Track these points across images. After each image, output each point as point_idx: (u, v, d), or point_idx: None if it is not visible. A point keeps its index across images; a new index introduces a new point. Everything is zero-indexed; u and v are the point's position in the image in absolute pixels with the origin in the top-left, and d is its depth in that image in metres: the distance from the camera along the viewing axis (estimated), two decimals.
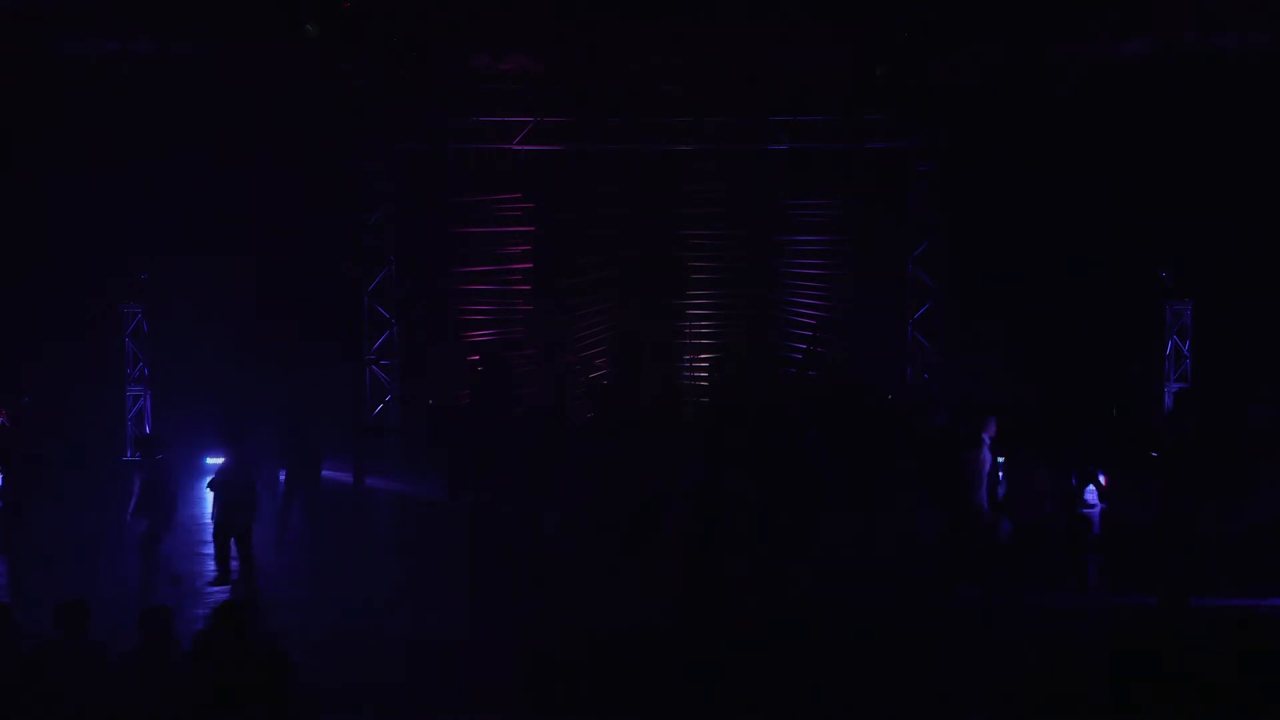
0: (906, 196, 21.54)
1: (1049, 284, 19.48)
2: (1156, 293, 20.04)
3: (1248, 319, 18.91)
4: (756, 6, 18.27)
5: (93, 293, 19.18)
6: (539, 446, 16.59)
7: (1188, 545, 13.65)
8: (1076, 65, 19.05)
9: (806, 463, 15.53)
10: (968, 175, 20.47)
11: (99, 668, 7.74)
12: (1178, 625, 7.70)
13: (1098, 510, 16.21)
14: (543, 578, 13.38)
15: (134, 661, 7.75)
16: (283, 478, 16.59)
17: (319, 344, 19.88)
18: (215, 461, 19.27)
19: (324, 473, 16.81)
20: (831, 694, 9.89)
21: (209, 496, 13.83)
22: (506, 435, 17.29)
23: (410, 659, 10.73)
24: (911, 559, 13.89)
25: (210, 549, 14.66)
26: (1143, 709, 7.30)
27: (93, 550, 14.32)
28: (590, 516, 15.52)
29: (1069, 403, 17.35)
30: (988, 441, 13.05)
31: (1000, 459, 13.65)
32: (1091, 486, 16.26)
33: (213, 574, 13.59)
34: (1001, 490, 13.38)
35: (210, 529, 13.88)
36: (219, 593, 12.88)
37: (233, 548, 13.31)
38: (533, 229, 21.85)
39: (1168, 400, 19.90)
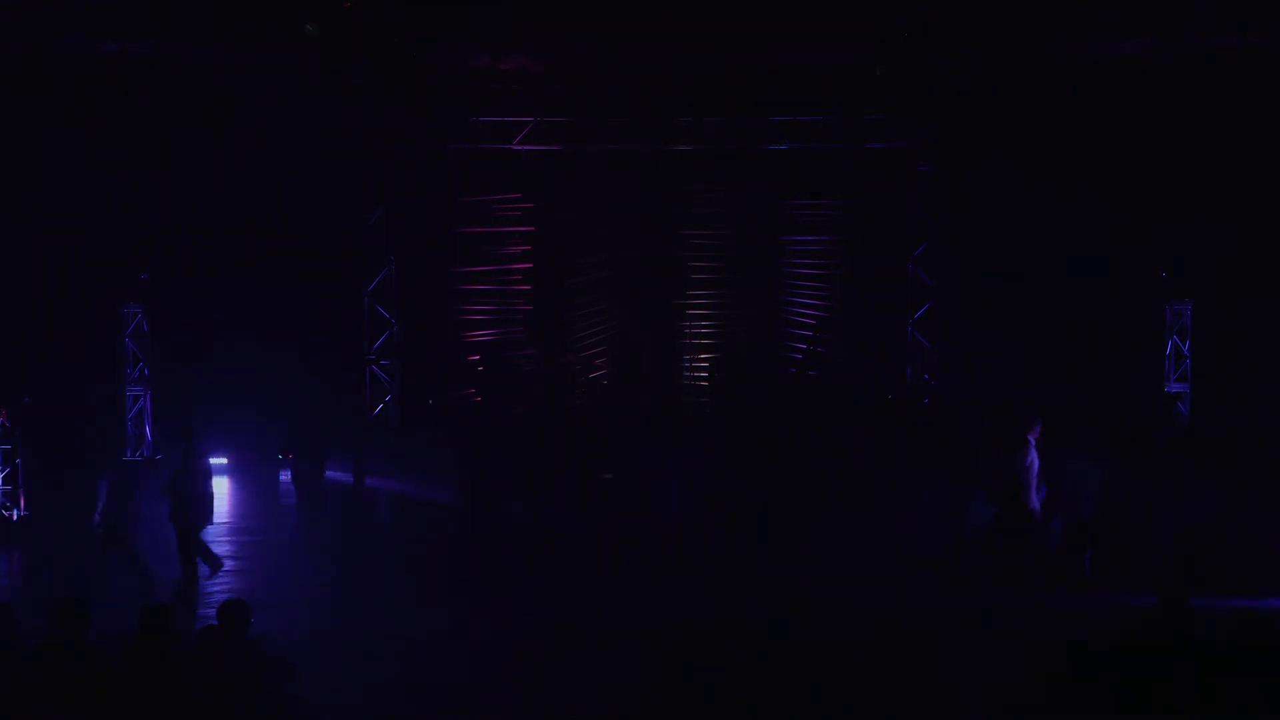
0: (906, 196, 21.53)
1: (1049, 284, 19.47)
2: (1156, 293, 20.04)
3: (1248, 319, 18.90)
4: (757, 6, 18.26)
5: (93, 293, 19.17)
6: (541, 446, 16.61)
7: (1184, 542, 13.68)
8: (1076, 65, 19.04)
9: (805, 463, 15.55)
10: (968, 175, 20.47)
11: (99, 667, 7.74)
12: (1178, 625, 7.69)
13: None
14: (545, 577, 13.38)
15: (133, 661, 7.75)
16: (285, 478, 16.61)
17: (319, 344, 19.89)
18: (215, 461, 19.38)
19: (326, 473, 16.82)
20: (831, 694, 9.89)
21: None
22: (510, 435, 17.29)
23: (411, 659, 10.73)
24: (914, 560, 13.89)
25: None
26: (1143, 709, 7.30)
27: (93, 550, 14.31)
28: (593, 516, 15.55)
29: (1069, 402, 17.34)
30: (1033, 441, 13.11)
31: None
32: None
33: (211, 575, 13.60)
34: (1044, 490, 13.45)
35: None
36: (218, 592, 12.88)
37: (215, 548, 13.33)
38: (533, 229, 21.85)
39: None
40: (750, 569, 13.51)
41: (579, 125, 20.95)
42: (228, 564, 14.15)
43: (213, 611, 8.77)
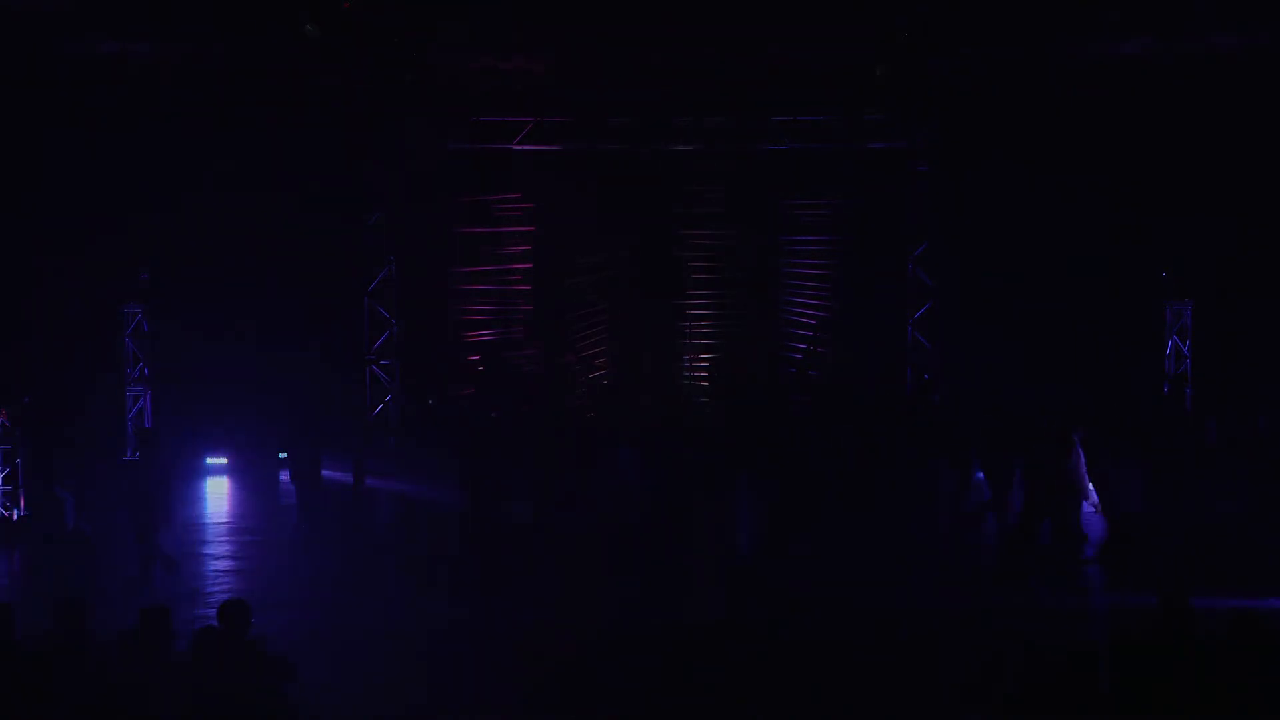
0: (906, 196, 21.52)
1: (1049, 284, 19.47)
2: (1156, 293, 20.04)
3: (1248, 319, 18.90)
4: (757, 6, 18.27)
5: (93, 293, 19.17)
6: (543, 446, 16.63)
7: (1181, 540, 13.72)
8: (1076, 65, 19.04)
9: (806, 463, 15.56)
10: (968, 175, 20.46)
11: (98, 667, 7.74)
12: (1178, 625, 7.69)
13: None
14: (545, 577, 13.38)
15: (131, 660, 7.75)
16: (285, 477, 16.63)
17: (319, 344, 19.90)
18: (215, 461, 19.43)
19: (326, 473, 16.82)
20: (832, 694, 9.89)
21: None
22: (512, 436, 17.31)
23: (412, 660, 10.73)
24: (916, 560, 13.89)
25: (209, 549, 14.74)
26: (1143, 709, 7.30)
27: (93, 550, 14.34)
28: (598, 516, 15.57)
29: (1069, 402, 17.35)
30: (1079, 441, 13.15)
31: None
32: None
33: (211, 575, 13.62)
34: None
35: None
36: (219, 593, 12.89)
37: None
38: (533, 229, 21.85)
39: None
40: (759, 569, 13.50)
41: (579, 125, 20.95)
42: (228, 564, 14.18)
43: (213, 611, 8.77)
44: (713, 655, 10.74)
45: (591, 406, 20.74)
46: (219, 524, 16.61)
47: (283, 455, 19.69)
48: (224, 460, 19.44)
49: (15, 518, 15.72)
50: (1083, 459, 13.20)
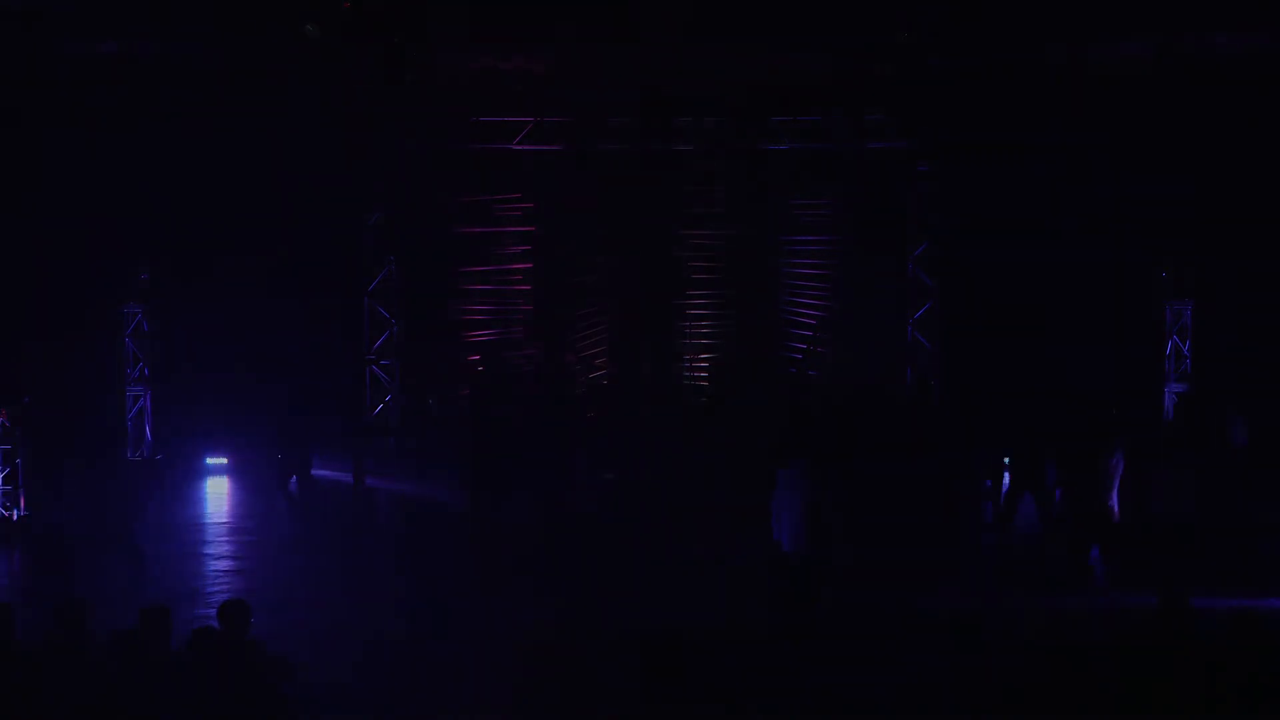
0: (906, 196, 21.51)
1: (1048, 284, 19.45)
2: (1156, 293, 20.03)
3: (1248, 319, 18.88)
4: (757, 6, 18.27)
5: (93, 293, 19.17)
6: (545, 446, 16.66)
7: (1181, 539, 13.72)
8: (1076, 65, 19.04)
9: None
10: (968, 175, 20.45)
11: (97, 667, 7.74)
12: (1178, 625, 7.70)
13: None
14: (547, 576, 13.38)
15: (131, 660, 7.75)
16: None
17: (319, 344, 19.89)
18: (215, 461, 19.42)
19: (326, 473, 16.85)
20: (832, 695, 9.89)
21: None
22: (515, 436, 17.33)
23: (412, 660, 10.73)
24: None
25: (209, 550, 14.75)
26: (1143, 709, 7.30)
27: (93, 550, 14.34)
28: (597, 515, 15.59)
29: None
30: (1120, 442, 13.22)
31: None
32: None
33: (211, 575, 13.63)
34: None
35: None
36: (219, 593, 12.89)
37: None
38: (533, 229, 21.84)
39: (1168, 400, 19.91)
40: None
41: (579, 125, 20.94)
42: (228, 564, 14.19)
43: (213, 611, 8.77)
44: (714, 656, 10.73)
45: (591, 406, 20.73)
46: (219, 524, 16.61)
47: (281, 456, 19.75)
48: (224, 460, 19.43)
49: (15, 517, 15.71)
50: (1121, 461, 13.28)
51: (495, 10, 18.16)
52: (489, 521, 15.85)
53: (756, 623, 11.67)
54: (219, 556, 14.81)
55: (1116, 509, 13.35)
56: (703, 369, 22.25)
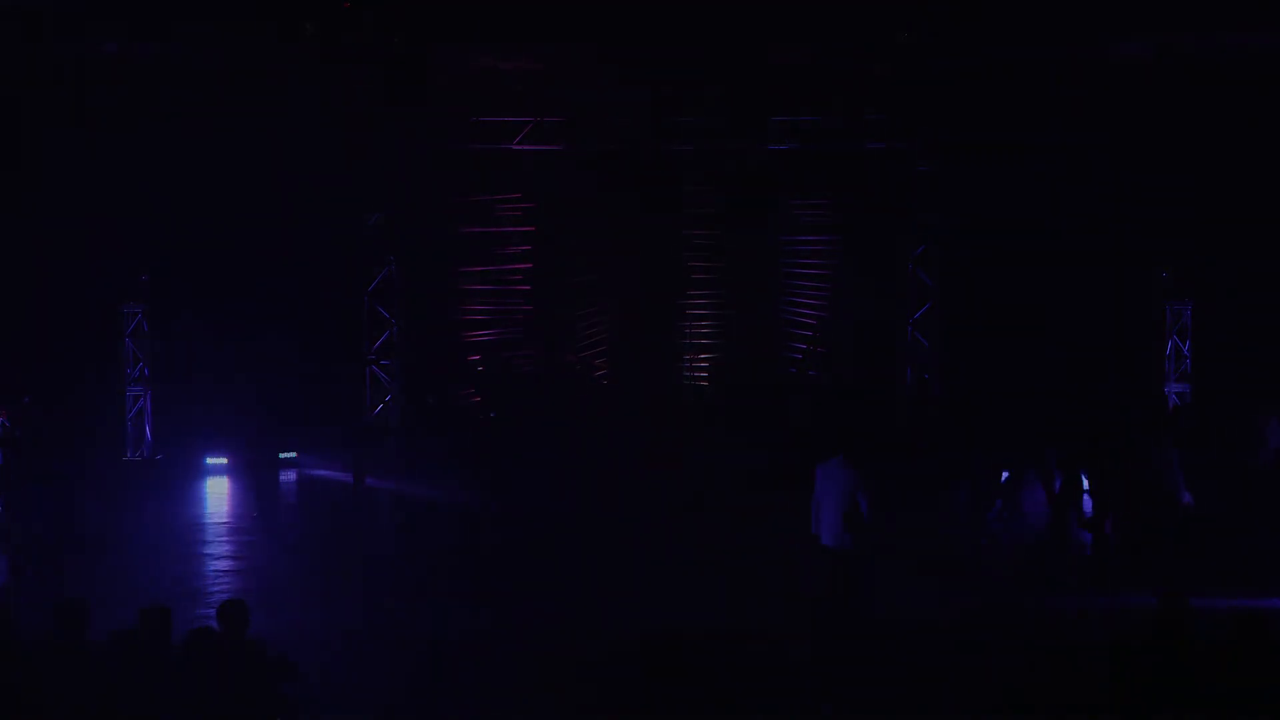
0: (906, 196, 21.52)
1: (1048, 283, 19.46)
2: (1156, 293, 20.04)
3: (1248, 319, 18.89)
4: (757, 6, 18.28)
5: (93, 293, 19.18)
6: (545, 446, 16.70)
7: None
8: (1076, 64, 19.05)
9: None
10: (968, 175, 20.46)
11: (97, 667, 7.74)
12: (1178, 625, 7.70)
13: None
14: (548, 577, 13.38)
15: (131, 660, 7.75)
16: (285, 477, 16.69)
17: (319, 344, 19.89)
18: (215, 461, 19.43)
19: (323, 473, 16.86)
20: (833, 695, 9.89)
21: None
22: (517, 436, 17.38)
23: (413, 659, 10.73)
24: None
25: (208, 550, 14.74)
26: (1143, 709, 7.30)
27: (93, 550, 14.35)
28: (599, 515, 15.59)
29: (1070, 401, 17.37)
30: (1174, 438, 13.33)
31: None
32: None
33: (211, 575, 13.62)
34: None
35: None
36: (218, 593, 12.89)
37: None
38: (533, 229, 21.85)
39: (1171, 400, 19.93)
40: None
41: (579, 125, 20.95)
42: (228, 564, 14.21)
43: (212, 611, 8.76)
44: (713, 657, 10.73)
45: (591, 406, 20.76)
46: (219, 524, 16.61)
47: (285, 455, 19.79)
48: (224, 460, 19.44)
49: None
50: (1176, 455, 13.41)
51: (495, 10, 18.19)
52: (489, 520, 15.87)
53: (759, 622, 11.68)
54: (219, 556, 14.81)
55: (1187, 498, 13.45)
56: (703, 369, 22.27)
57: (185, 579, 13.41)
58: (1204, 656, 7.50)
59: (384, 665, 10.56)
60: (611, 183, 21.44)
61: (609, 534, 15.15)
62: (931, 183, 21.24)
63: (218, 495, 18.44)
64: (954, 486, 16.65)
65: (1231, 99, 18.30)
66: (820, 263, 22.03)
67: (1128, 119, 19.02)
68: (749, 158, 21.41)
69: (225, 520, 16.85)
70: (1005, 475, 15.94)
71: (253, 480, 16.54)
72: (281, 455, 19.74)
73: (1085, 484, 15.16)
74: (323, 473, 19.51)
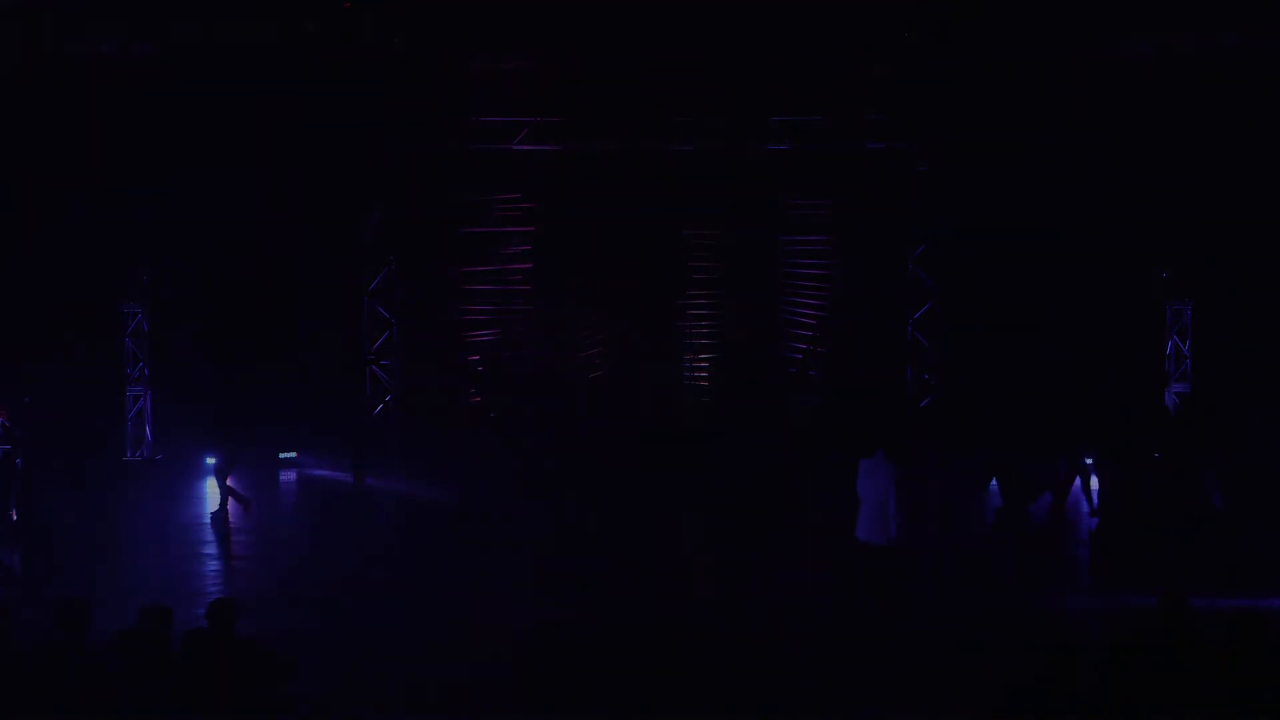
0: (906, 196, 21.52)
1: (1048, 284, 19.46)
2: (1156, 293, 20.04)
3: (1248, 319, 18.89)
4: (757, 6, 18.28)
5: (93, 293, 19.18)
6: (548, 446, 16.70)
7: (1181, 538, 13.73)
8: (1076, 64, 19.05)
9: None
10: (968, 175, 20.46)
11: (97, 667, 7.74)
12: (1178, 625, 7.70)
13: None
14: (547, 576, 13.38)
15: (130, 660, 7.75)
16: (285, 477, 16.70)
17: (319, 344, 19.89)
18: (214, 461, 19.41)
19: (323, 473, 16.87)
20: (832, 695, 9.89)
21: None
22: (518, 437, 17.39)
23: (411, 659, 10.73)
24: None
25: (211, 550, 14.74)
26: (1143, 709, 7.30)
27: (93, 550, 14.34)
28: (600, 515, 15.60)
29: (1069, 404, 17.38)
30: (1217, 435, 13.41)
31: None
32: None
33: (211, 575, 13.63)
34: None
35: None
36: (216, 592, 12.89)
37: None
38: (533, 229, 21.84)
39: (1168, 400, 19.92)
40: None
41: (579, 125, 20.94)
42: (227, 564, 14.22)
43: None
44: (713, 656, 10.74)
45: (591, 406, 20.76)
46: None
47: (285, 455, 19.80)
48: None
49: (15, 517, 15.70)
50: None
51: (495, 10, 18.20)
52: (488, 521, 15.86)
53: (761, 622, 11.69)
54: (219, 556, 14.80)
55: (1219, 500, 13.51)
56: (702, 369, 22.27)
57: (185, 579, 13.41)
58: (1204, 656, 7.49)
59: (383, 664, 10.56)
60: (611, 182, 21.41)
61: (609, 534, 15.14)
62: (931, 183, 21.25)
63: (218, 495, 18.41)
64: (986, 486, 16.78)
65: (1231, 99, 18.29)
66: (820, 263, 22.02)
67: (1128, 119, 19.02)
68: (749, 158, 21.41)
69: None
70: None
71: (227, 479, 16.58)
72: (281, 455, 19.76)
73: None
74: (323, 473, 19.52)
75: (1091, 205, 19.56)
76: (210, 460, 17.46)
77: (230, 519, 16.04)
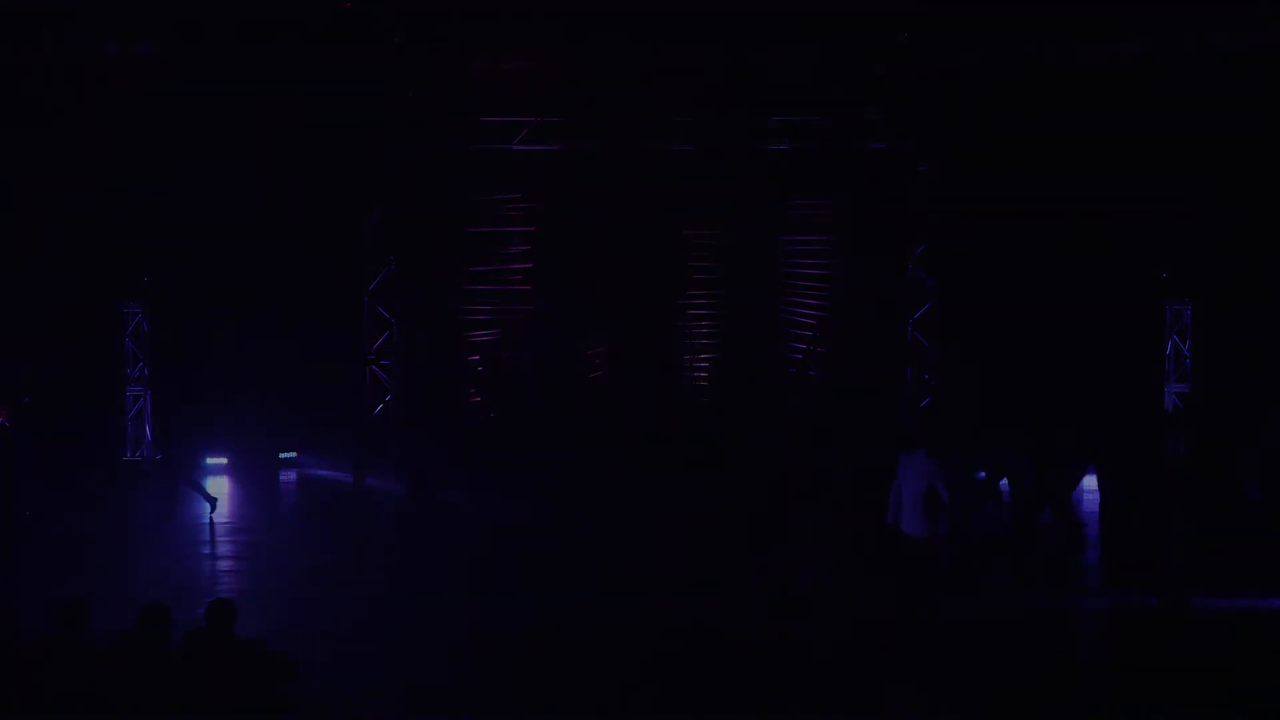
0: (906, 196, 21.52)
1: (1048, 283, 19.45)
2: (1156, 293, 20.03)
3: (1248, 319, 18.88)
4: (757, 6, 18.28)
5: (93, 293, 19.18)
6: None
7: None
8: (1076, 64, 19.04)
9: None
10: (968, 175, 20.45)
11: (97, 667, 7.74)
12: (1178, 625, 7.71)
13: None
14: (546, 577, 13.39)
15: (130, 660, 7.75)
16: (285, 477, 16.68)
17: (319, 344, 19.89)
18: (215, 461, 19.44)
19: (323, 473, 16.86)
20: (832, 696, 9.89)
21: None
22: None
23: (411, 659, 10.73)
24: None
25: (209, 550, 14.74)
26: (1143, 709, 7.31)
27: (93, 550, 14.35)
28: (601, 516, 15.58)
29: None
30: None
31: None
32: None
33: (210, 575, 13.64)
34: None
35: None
36: (218, 592, 12.88)
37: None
38: (533, 229, 21.84)
39: (1167, 401, 19.91)
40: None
41: (579, 125, 20.94)
42: (228, 564, 14.22)
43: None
44: (713, 656, 10.73)
45: (590, 406, 20.76)
46: (219, 524, 16.60)
47: (285, 455, 19.81)
48: (224, 460, 19.44)
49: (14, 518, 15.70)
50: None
51: (495, 10, 18.20)
52: (488, 520, 15.88)
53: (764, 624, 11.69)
54: (219, 556, 14.81)
55: (1258, 495, 13.55)
56: (703, 369, 22.27)
57: (185, 579, 13.41)
58: (1204, 656, 7.51)
59: (383, 665, 10.56)
60: (611, 182, 21.41)
61: (609, 533, 15.15)
62: (931, 183, 21.26)
63: (218, 495, 18.42)
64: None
65: (1232, 99, 18.28)
66: (820, 263, 22.02)
67: (1128, 118, 19.00)
68: (749, 158, 21.41)
69: (225, 520, 16.85)
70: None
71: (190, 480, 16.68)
72: (281, 455, 19.76)
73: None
74: (323, 473, 19.52)
75: (1092, 205, 19.52)
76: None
77: (229, 519, 16.05)
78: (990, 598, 12.48)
